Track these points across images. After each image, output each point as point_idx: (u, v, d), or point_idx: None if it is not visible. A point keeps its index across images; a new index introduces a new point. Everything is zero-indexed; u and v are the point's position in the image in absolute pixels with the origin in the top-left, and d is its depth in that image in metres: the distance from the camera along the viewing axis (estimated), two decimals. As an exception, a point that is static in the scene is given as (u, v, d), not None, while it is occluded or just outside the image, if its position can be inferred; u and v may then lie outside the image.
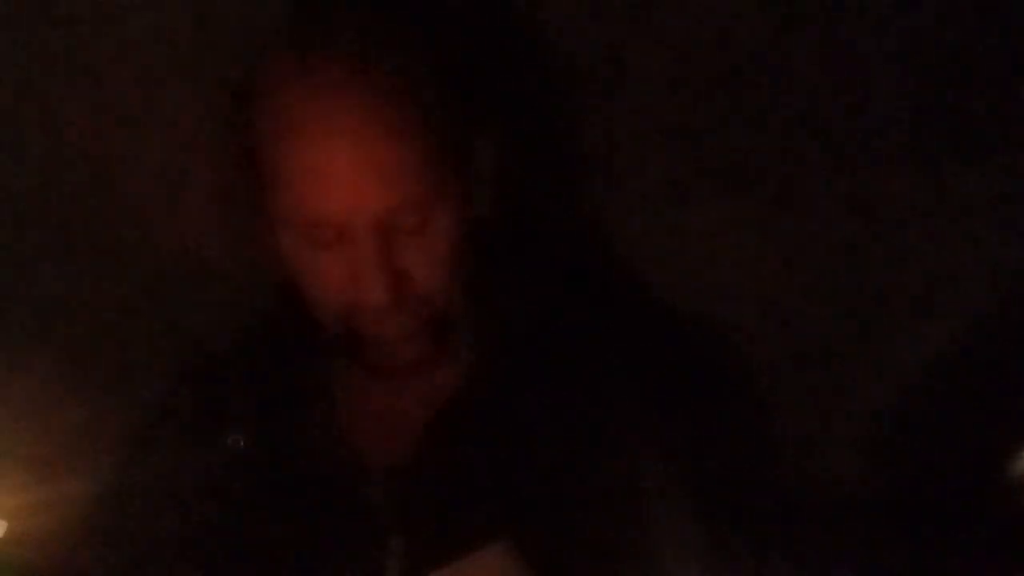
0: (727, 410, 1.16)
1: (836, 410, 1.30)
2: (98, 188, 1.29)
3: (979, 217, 1.28)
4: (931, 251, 1.29)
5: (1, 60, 1.24)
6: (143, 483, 1.16)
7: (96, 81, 1.26)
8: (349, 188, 1.03)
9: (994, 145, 1.27)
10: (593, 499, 1.08)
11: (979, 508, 1.17)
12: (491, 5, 1.25)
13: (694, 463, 1.09)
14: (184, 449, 1.16)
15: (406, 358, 1.11)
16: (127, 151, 1.28)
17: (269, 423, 1.15)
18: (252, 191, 1.10)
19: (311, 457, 1.13)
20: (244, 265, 1.28)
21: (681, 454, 1.09)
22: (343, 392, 1.17)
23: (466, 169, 1.10)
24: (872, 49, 1.26)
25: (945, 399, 1.25)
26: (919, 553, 1.15)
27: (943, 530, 1.18)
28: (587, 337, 1.15)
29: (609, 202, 1.32)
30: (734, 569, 1.04)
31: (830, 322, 1.31)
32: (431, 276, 1.07)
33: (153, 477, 1.15)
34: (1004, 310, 1.25)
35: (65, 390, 1.27)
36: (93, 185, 1.29)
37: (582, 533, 1.07)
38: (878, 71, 1.27)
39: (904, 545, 1.16)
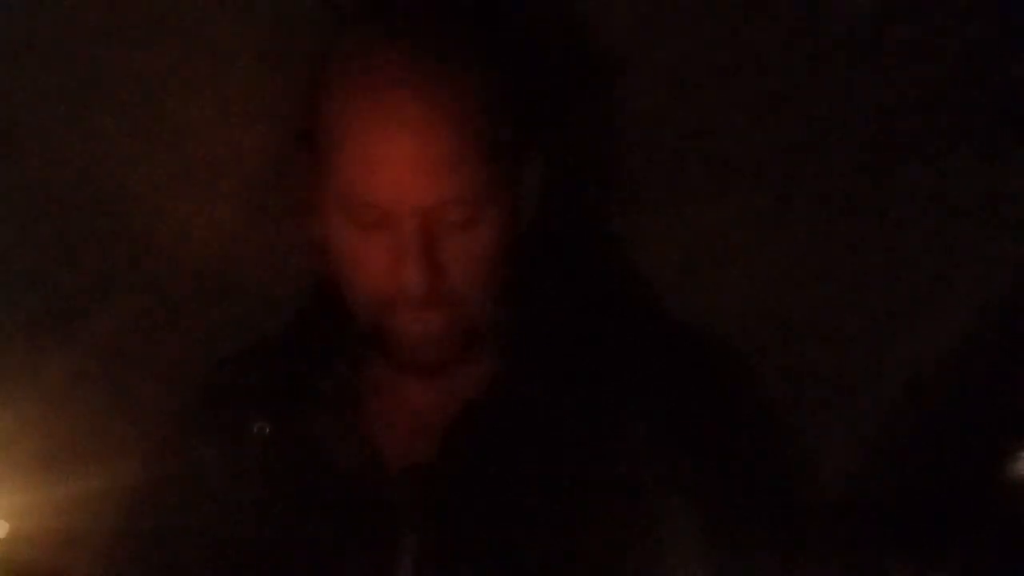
0: (739, 428, 1.17)
1: (836, 410, 1.31)
2: (106, 186, 1.29)
3: (980, 216, 1.28)
4: (931, 251, 1.29)
5: (28, 54, 1.25)
6: (168, 477, 1.17)
7: (127, 66, 1.26)
8: (402, 175, 1.04)
9: (994, 144, 1.27)
10: (610, 507, 1.09)
11: (979, 508, 1.16)
12: (553, 17, 1.26)
13: (705, 475, 1.10)
14: (210, 440, 1.17)
15: (432, 357, 1.12)
16: (135, 150, 1.29)
17: (294, 416, 1.16)
18: (308, 171, 1.12)
19: (332, 452, 1.15)
20: (257, 268, 1.29)
21: (699, 465, 1.10)
22: (369, 391, 1.18)
23: (517, 175, 1.12)
24: (874, 49, 1.26)
25: (945, 399, 1.25)
26: (919, 554, 1.15)
27: (943, 530, 1.17)
28: (610, 348, 1.17)
29: (623, 207, 1.33)
30: (737, 572, 1.05)
31: (830, 322, 1.31)
32: (469, 275, 1.08)
33: (178, 470, 1.17)
34: (1004, 310, 1.25)
35: (68, 391, 1.28)
36: (101, 184, 1.29)
37: (595, 542, 1.08)
38: (879, 71, 1.27)
39: (904, 546, 1.16)
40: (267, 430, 1.15)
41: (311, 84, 1.11)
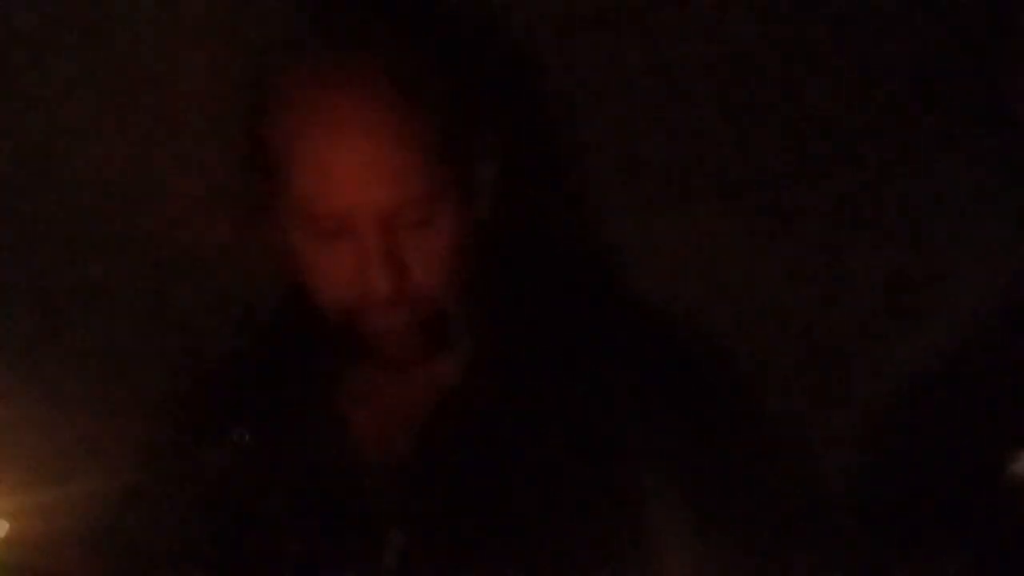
0: (722, 410, 1.18)
1: (836, 410, 1.31)
2: (105, 190, 1.30)
3: (979, 218, 1.28)
4: (930, 251, 1.29)
5: (5, 56, 1.25)
6: (153, 484, 1.18)
7: (105, 78, 1.27)
8: (355, 183, 1.06)
9: (993, 146, 1.27)
10: (589, 496, 1.10)
11: (979, 508, 1.17)
12: (493, 15, 1.26)
13: (690, 463, 1.11)
14: (192, 447, 1.18)
15: (405, 352, 1.13)
16: (133, 152, 1.29)
17: (274, 418, 1.17)
18: (263, 187, 1.13)
19: (314, 451, 1.16)
20: (249, 267, 1.29)
21: (677, 453, 1.11)
22: (347, 387, 1.19)
23: (469, 171, 1.13)
24: (869, 52, 1.26)
25: (944, 400, 1.25)
26: (918, 554, 1.15)
27: (943, 530, 1.17)
28: (584, 337, 1.17)
29: (608, 204, 1.33)
30: (731, 570, 1.05)
31: (829, 323, 1.31)
32: (432, 271, 1.10)
33: (162, 477, 1.18)
34: (1004, 310, 1.25)
35: (68, 392, 1.28)
36: (100, 187, 1.30)
37: (578, 530, 1.09)
38: (875, 73, 1.27)
39: (903, 546, 1.16)
40: (246, 437, 1.16)
41: (259, 97, 1.12)
